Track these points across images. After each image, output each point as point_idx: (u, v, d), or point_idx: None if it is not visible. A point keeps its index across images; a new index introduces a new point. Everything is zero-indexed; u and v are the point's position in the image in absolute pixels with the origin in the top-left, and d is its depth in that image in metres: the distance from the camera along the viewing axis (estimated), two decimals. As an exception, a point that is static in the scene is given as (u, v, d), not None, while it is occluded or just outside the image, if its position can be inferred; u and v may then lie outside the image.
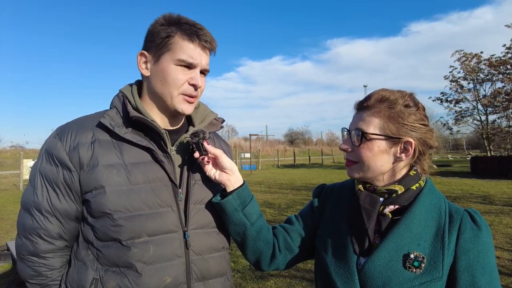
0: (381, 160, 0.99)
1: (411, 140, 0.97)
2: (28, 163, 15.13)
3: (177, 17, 1.06)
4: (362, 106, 1.03)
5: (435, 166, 1.07)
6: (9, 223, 7.48)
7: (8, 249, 4.99)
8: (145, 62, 1.08)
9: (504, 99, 20.17)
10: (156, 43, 1.05)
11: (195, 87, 1.05)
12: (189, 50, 1.03)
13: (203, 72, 1.09)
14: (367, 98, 1.02)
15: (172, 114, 1.11)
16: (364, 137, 0.99)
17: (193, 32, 1.04)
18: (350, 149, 1.03)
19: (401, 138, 0.98)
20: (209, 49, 1.08)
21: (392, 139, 0.98)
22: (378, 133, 0.98)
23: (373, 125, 0.99)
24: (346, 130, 1.07)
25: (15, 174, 18.68)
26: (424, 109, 1.03)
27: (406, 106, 0.99)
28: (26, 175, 14.72)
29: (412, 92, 1.03)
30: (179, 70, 1.03)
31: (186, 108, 1.07)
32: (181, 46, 1.03)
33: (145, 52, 1.08)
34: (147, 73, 1.08)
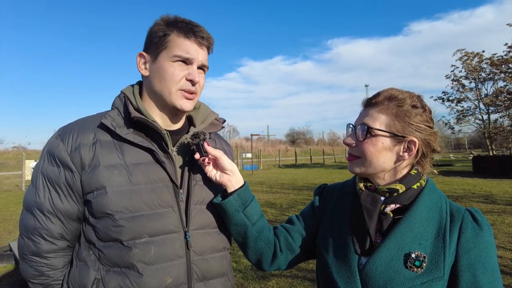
0: (384, 157, 1.00)
1: (415, 139, 0.98)
2: (30, 164, 15.18)
3: (174, 17, 1.08)
4: (370, 103, 1.03)
5: (435, 171, 1.07)
6: (11, 224, 7.51)
7: (10, 250, 5.01)
8: (144, 63, 1.10)
9: (506, 98, 20.12)
10: (153, 43, 1.07)
11: (193, 82, 1.06)
12: (185, 46, 1.04)
13: (202, 68, 1.10)
14: (376, 95, 1.03)
15: (172, 112, 1.12)
16: (369, 132, 1.00)
17: (189, 29, 1.05)
18: (354, 144, 1.04)
19: (406, 137, 0.98)
20: (206, 46, 1.09)
21: (397, 137, 0.98)
22: (384, 129, 0.99)
23: (379, 121, 0.99)
24: (351, 125, 1.07)
25: (17, 175, 18.74)
26: (430, 112, 1.04)
27: (414, 106, 0.99)
28: (28, 176, 14.78)
29: (420, 94, 1.04)
30: (176, 66, 1.04)
31: (185, 105, 1.07)
32: (177, 42, 1.04)
33: (144, 53, 1.10)
34: (146, 73, 1.09)
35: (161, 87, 1.05)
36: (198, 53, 1.06)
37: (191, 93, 1.07)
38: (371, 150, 1.00)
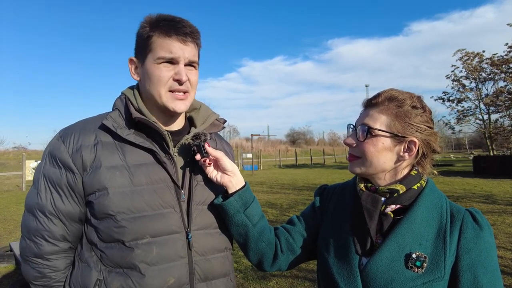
0: (384, 157, 1.00)
1: (415, 140, 0.98)
2: (31, 164, 15.18)
3: (156, 17, 1.06)
4: (371, 103, 1.04)
5: (435, 172, 1.07)
6: (12, 224, 7.51)
7: (11, 250, 5.01)
8: (136, 68, 1.10)
9: (506, 98, 20.10)
10: (140, 47, 1.06)
11: (180, 82, 1.04)
12: (167, 45, 1.02)
13: (192, 64, 1.07)
14: (377, 95, 1.04)
15: (168, 114, 1.11)
16: (369, 132, 1.00)
17: (171, 27, 1.03)
18: (354, 144, 1.04)
19: (406, 137, 0.98)
20: (190, 41, 1.05)
21: (397, 138, 0.99)
22: (384, 129, 0.99)
23: (379, 122, 1.00)
24: (352, 126, 1.07)
25: (17, 175, 18.78)
26: (430, 112, 1.04)
27: (414, 107, 1.00)
28: (28, 176, 14.79)
29: (420, 95, 1.04)
30: (162, 68, 1.03)
31: (178, 106, 1.06)
32: (160, 43, 1.03)
33: (134, 58, 1.09)
34: (137, 78, 1.10)
35: (152, 90, 1.05)
36: (183, 51, 1.03)
37: (183, 92, 1.06)
38: (371, 150, 1.00)
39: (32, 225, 1.02)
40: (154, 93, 1.04)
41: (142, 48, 1.05)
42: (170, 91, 1.04)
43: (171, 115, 1.12)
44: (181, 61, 1.04)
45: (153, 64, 1.03)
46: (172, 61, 1.03)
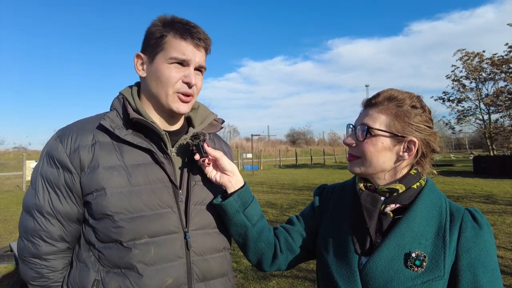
0: (384, 157, 1.00)
1: (415, 139, 0.98)
2: (31, 164, 15.20)
3: (171, 18, 1.07)
4: (370, 103, 1.04)
5: (435, 171, 1.07)
6: (12, 224, 7.53)
7: (11, 250, 5.01)
8: (142, 64, 1.09)
9: (506, 98, 20.09)
10: (150, 44, 1.06)
11: (189, 85, 1.05)
12: (181, 47, 1.03)
13: (199, 69, 1.09)
14: (376, 95, 1.04)
15: (169, 114, 1.11)
16: (369, 132, 1.00)
17: (186, 30, 1.04)
18: (354, 144, 1.04)
19: (405, 137, 0.98)
20: (203, 47, 1.07)
21: (397, 137, 0.99)
22: (384, 129, 0.99)
23: (379, 122, 1.00)
24: (351, 126, 1.07)
25: (18, 175, 18.79)
26: (430, 112, 1.04)
27: (413, 107, 1.00)
28: (28, 176, 14.80)
29: (419, 95, 1.04)
30: (172, 68, 1.03)
31: (182, 108, 1.07)
32: (174, 44, 1.03)
33: (141, 54, 1.09)
34: (143, 74, 1.09)
35: (158, 89, 1.05)
36: (195, 55, 1.05)
37: (188, 95, 1.06)
38: (371, 150, 1.00)
39: (30, 225, 1.02)
40: (161, 92, 1.05)
41: (153, 46, 1.05)
42: (177, 92, 1.05)
43: (172, 116, 1.12)
44: (191, 64, 1.05)
45: (164, 63, 1.03)
46: (183, 63, 1.04)
